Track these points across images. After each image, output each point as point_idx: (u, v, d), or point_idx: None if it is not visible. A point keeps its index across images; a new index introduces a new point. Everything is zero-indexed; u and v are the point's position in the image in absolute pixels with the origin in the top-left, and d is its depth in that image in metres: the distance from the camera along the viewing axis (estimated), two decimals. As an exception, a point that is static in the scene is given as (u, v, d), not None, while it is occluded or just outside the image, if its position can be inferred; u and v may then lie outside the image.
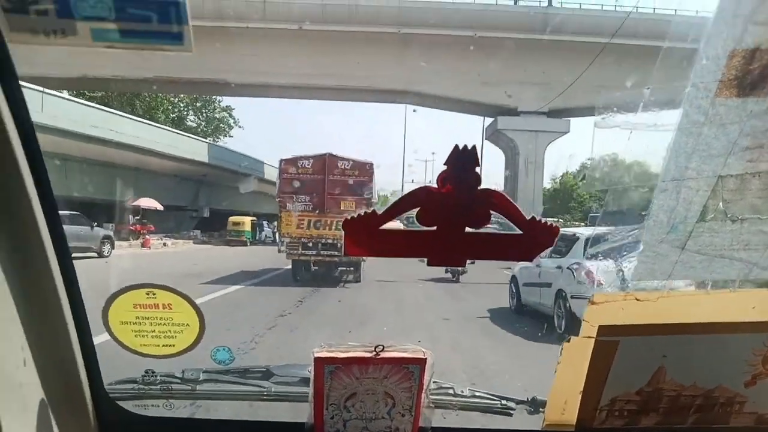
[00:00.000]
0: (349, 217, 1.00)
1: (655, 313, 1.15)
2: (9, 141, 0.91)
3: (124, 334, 1.15)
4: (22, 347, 1.03)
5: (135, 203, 25.77)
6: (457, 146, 0.94)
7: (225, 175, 38.38)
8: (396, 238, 1.04)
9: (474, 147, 0.95)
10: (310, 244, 15.55)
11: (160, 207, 26.66)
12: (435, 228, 1.01)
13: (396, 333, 7.71)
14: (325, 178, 15.75)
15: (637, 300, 1.14)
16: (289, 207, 15.77)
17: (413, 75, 28.77)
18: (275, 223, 29.61)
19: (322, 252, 15.32)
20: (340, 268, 15.57)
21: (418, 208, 1.00)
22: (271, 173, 40.45)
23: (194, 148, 35.72)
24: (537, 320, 8.77)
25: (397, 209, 1.00)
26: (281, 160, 16.11)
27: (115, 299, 1.12)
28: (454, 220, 1.00)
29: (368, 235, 1.01)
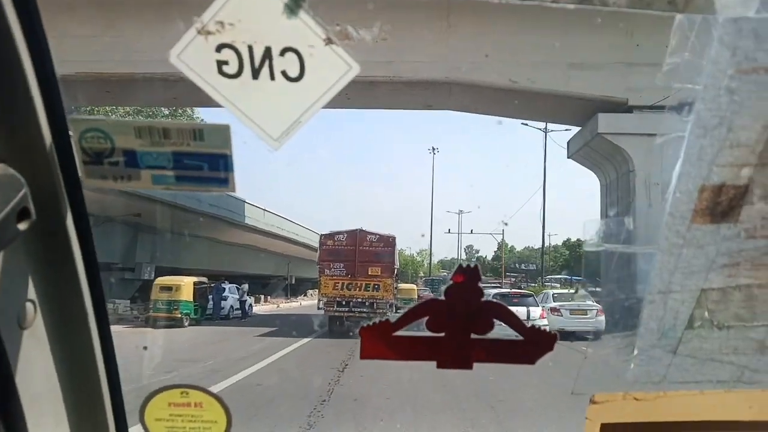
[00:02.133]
0: (365, 325, 1.11)
1: (654, 413, 1.22)
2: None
3: (158, 429, 1.23)
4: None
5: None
6: (461, 265, 1.06)
7: (179, 215, 26.51)
8: (409, 343, 1.14)
9: (476, 266, 1.06)
10: (344, 303, 19.59)
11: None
12: (443, 334, 1.12)
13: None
14: (356, 249, 19.71)
15: (636, 399, 1.21)
16: (327, 272, 19.93)
17: (459, 56, 19.33)
18: (245, 286, 27.85)
19: (353, 309, 19.39)
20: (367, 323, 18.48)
21: (428, 317, 1.11)
22: (255, 217, 38.59)
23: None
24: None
25: (409, 318, 1.11)
26: (321, 235, 21.13)
27: (153, 398, 1.22)
28: (460, 328, 1.11)
29: (383, 341, 1.11)
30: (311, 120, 0.82)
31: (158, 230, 28.97)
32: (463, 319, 1.10)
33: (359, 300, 19.76)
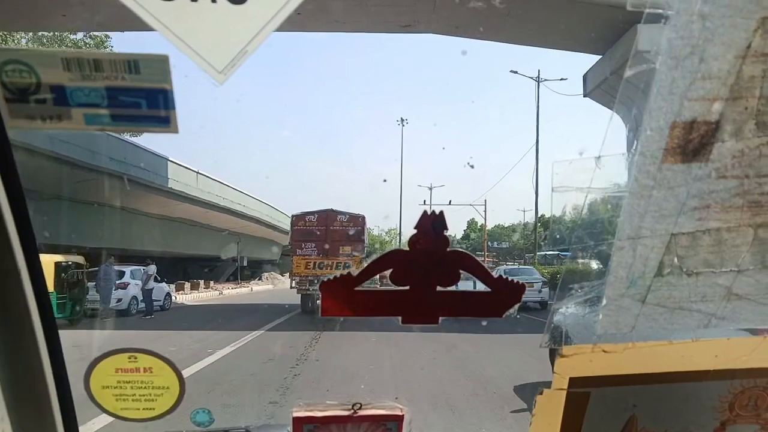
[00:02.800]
0: (325, 279, 1.05)
1: (622, 364, 1.20)
2: None
3: (106, 398, 1.16)
4: (1, 418, 1.04)
5: None
6: (425, 212, 1.01)
7: (64, 173, 19.92)
8: (371, 298, 1.08)
9: (442, 212, 1.01)
10: (316, 281, 20.33)
11: None
12: (408, 288, 1.07)
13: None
14: (327, 229, 20.48)
15: (605, 351, 1.19)
16: (299, 252, 20.60)
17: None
18: (151, 268, 20.36)
19: (324, 287, 21.13)
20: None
21: (391, 269, 1.06)
22: (185, 180, 30.69)
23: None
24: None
25: (371, 271, 1.05)
26: (293, 216, 21.46)
27: (98, 363, 1.14)
28: (425, 280, 1.06)
29: (345, 296, 1.06)
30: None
31: (40, 195, 19.11)
32: (428, 270, 1.05)
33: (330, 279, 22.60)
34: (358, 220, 20.99)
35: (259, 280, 49.75)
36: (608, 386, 1.23)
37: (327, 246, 20.45)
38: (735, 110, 0.93)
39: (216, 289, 36.62)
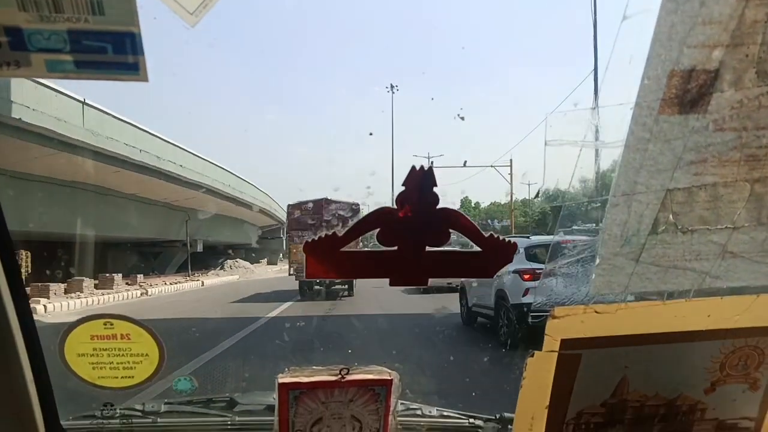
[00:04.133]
0: (310, 240, 1.00)
1: (615, 325, 1.18)
2: None
3: (81, 366, 1.12)
4: None
5: None
6: (414, 167, 0.96)
7: None
8: (357, 259, 1.04)
9: (431, 167, 0.97)
10: None
11: None
12: (396, 248, 1.03)
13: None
14: (322, 217, 21.28)
15: (597, 312, 1.16)
16: (296, 240, 21.51)
17: None
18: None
19: (321, 274, 22.12)
20: (334, 287, 19.82)
21: (378, 229, 1.01)
22: (53, 112, 17.62)
23: None
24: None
25: (358, 230, 1.01)
26: (288, 205, 22.63)
27: (72, 330, 1.09)
28: (414, 240, 1.02)
29: (330, 257, 1.02)
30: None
31: None
32: (417, 230, 1.01)
33: (326, 266, 23.82)
34: (352, 208, 21.81)
35: (221, 269, 39.29)
36: (600, 348, 1.21)
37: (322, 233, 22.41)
38: (735, 58, 0.89)
39: (130, 287, 23.84)
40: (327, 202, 21.90)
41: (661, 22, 0.84)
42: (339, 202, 22.00)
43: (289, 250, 22.70)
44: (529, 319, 7.31)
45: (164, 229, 32.24)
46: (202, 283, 30.09)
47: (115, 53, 0.75)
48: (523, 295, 7.67)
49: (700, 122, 0.94)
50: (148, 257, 37.06)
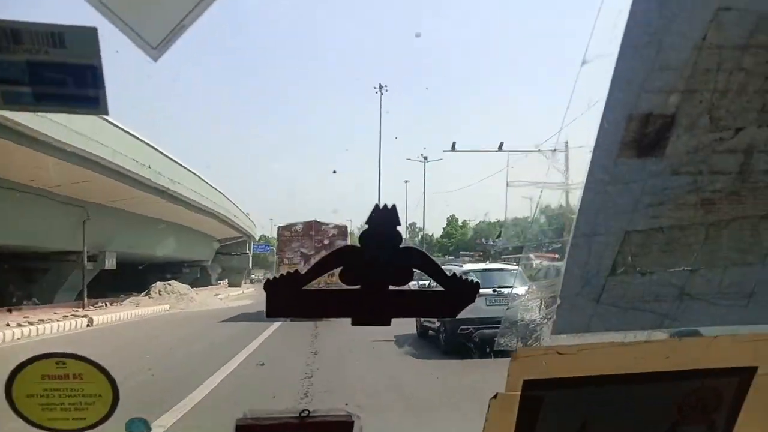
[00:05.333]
0: (270, 278, 0.99)
1: (576, 366, 1.18)
2: None
3: (30, 408, 1.07)
4: None
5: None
6: (377, 205, 0.96)
7: None
8: (319, 298, 1.03)
9: (394, 206, 0.97)
10: None
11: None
12: (359, 287, 1.02)
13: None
14: (312, 238, 21.79)
15: (558, 353, 1.16)
16: (286, 261, 21.55)
17: None
18: None
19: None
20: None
21: (341, 267, 1.01)
22: None
23: None
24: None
25: (320, 269, 1.00)
26: (279, 227, 22.88)
27: (21, 370, 1.05)
28: (377, 279, 1.01)
29: (291, 296, 1.00)
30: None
31: None
32: (380, 268, 1.00)
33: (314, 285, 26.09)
34: (341, 230, 22.46)
35: (146, 296, 27.61)
36: (562, 389, 1.21)
37: (311, 254, 21.38)
38: (690, 103, 0.92)
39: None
40: (316, 224, 22.28)
41: (620, 66, 0.86)
42: (328, 224, 22.46)
43: (278, 271, 23.09)
44: (459, 331, 10.62)
45: (53, 235, 21.91)
46: (90, 321, 18.62)
47: (76, 86, 0.74)
48: (455, 314, 10.26)
49: (657, 166, 0.97)
50: (27, 277, 24.88)
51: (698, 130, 0.94)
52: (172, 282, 29.29)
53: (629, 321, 1.18)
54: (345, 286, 1.01)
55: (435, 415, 6.49)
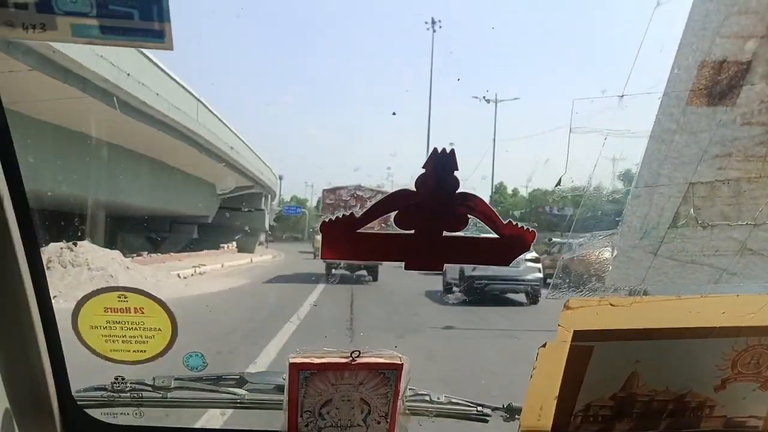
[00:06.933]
0: (326, 220, 1.00)
1: (628, 319, 1.16)
2: None
3: (94, 338, 1.12)
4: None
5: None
6: (435, 149, 0.95)
7: None
8: (373, 241, 1.03)
9: (453, 151, 0.95)
10: None
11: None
12: (413, 231, 1.02)
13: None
14: (355, 204, 21.25)
15: (612, 305, 1.15)
16: None
17: None
18: None
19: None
20: (358, 272, 19.43)
21: (396, 212, 1.00)
22: None
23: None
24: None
25: (375, 212, 1.00)
26: (324, 190, 22.25)
27: (86, 302, 1.09)
28: (431, 224, 1.01)
29: (345, 238, 1.01)
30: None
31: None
32: (434, 214, 1.00)
33: (355, 251, 26.17)
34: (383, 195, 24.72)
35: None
36: (612, 340, 1.20)
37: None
38: None
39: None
40: (360, 188, 22.87)
41: (695, 10, 0.82)
42: (371, 190, 23.01)
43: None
44: (475, 284, 12.49)
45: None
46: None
47: (141, 19, 0.74)
48: (473, 270, 12.15)
49: (727, 115, 0.93)
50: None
51: None
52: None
53: (686, 276, 1.15)
54: (399, 231, 1.01)
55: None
